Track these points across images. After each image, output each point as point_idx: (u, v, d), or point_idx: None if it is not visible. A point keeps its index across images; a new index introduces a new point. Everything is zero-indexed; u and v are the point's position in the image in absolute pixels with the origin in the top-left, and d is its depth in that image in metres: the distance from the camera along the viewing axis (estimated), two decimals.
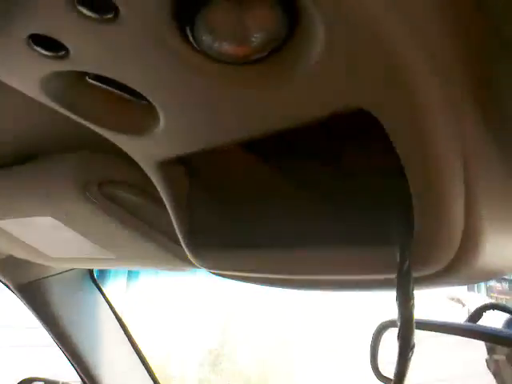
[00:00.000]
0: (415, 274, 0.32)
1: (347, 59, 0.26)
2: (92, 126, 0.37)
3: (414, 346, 0.32)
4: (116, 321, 1.33)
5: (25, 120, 0.57)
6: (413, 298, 0.32)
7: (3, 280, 1.21)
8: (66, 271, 1.22)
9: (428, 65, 0.26)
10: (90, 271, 1.32)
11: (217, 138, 0.37)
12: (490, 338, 0.79)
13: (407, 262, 0.32)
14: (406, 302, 0.32)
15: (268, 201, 0.46)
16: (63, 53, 0.29)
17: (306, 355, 4.92)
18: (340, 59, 0.26)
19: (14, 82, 0.35)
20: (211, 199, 0.50)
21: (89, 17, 0.26)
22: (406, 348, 0.32)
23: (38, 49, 0.29)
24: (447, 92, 0.28)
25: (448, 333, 0.85)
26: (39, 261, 0.91)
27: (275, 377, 4.87)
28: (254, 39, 0.26)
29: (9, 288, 1.25)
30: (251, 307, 5.15)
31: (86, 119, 0.37)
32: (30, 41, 0.28)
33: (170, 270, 0.77)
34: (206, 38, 0.27)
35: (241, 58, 0.28)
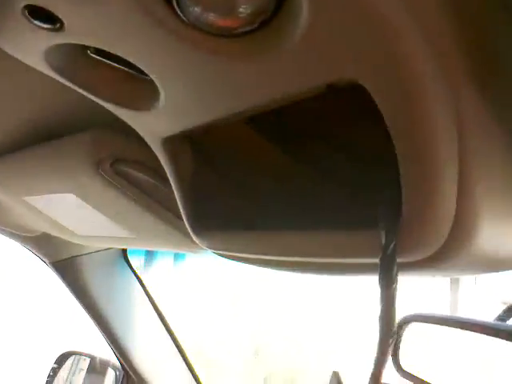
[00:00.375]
0: (403, 259, 0.31)
1: (334, 30, 0.26)
2: (94, 98, 0.39)
3: (395, 332, 0.31)
4: (148, 300, 1.36)
5: (41, 102, 0.59)
6: (396, 282, 0.31)
7: (39, 256, 1.27)
8: (99, 251, 1.26)
9: (417, 30, 0.25)
10: (124, 251, 1.36)
11: (215, 111, 0.38)
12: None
13: (392, 245, 0.30)
14: (388, 286, 0.31)
15: (267, 183, 0.46)
16: (58, 25, 0.30)
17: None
18: (327, 30, 0.26)
19: (20, 55, 0.36)
20: (217, 180, 0.50)
21: None
22: (386, 333, 0.31)
23: (36, 22, 0.30)
24: (439, 58, 0.26)
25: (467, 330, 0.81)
26: (67, 238, 0.95)
27: (314, 369, 4.84)
28: (241, 10, 0.26)
29: (46, 264, 1.31)
30: (297, 294, 5.13)
31: (86, 90, 0.38)
32: (27, 13, 0.30)
33: (184, 251, 0.78)
34: (192, 9, 0.27)
35: (229, 30, 0.28)
